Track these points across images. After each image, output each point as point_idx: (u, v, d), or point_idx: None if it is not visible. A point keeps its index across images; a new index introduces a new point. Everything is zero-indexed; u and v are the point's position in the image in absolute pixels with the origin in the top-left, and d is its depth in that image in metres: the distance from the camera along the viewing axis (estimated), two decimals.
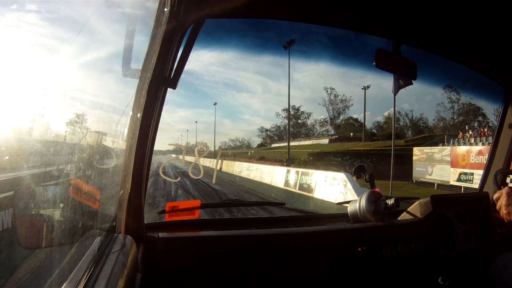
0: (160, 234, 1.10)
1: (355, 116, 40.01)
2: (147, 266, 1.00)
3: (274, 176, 13.05)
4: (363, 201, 1.38)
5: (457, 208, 1.56)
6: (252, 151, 35.53)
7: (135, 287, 0.82)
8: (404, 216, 1.52)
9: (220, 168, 18.85)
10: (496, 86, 1.73)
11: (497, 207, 1.32)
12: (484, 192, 1.69)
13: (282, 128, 43.57)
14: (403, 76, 1.44)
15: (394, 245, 1.30)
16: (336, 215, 1.59)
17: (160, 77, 1.01)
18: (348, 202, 1.49)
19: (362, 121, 37.88)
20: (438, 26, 1.29)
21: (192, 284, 1.08)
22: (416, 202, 1.50)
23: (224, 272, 1.11)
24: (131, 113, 1.08)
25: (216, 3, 1.01)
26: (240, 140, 48.34)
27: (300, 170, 11.32)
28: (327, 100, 40.17)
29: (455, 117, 30.57)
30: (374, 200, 1.38)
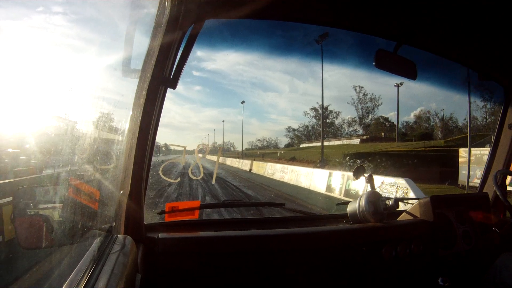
0: (160, 235, 1.10)
1: (385, 116, 38.29)
2: (146, 266, 1.00)
3: (314, 179, 11.47)
4: (363, 202, 1.38)
5: (457, 208, 1.56)
6: (282, 151, 34.43)
7: (134, 287, 0.82)
8: (404, 216, 1.52)
9: (250, 170, 18.35)
10: (496, 86, 1.73)
11: None
12: (484, 193, 1.69)
13: (310, 127, 42.68)
14: (403, 77, 1.44)
15: (393, 246, 1.30)
16: (336, 215, 1.59)
17: (160, 77, 1.01)
18: (347, 202, 1.49)
19: (393, 120, 36.33)
20: (438, 26, 1.29)
21: (192, 284, 1.08)
22: (416, 203, 1.50)
23: (223, 273, 1.11)
24: (131, 113, 1.08)
25: (216, 4, 1.01)
26: (268, 140, 47.61)
27: (346, 173, 9.69)
28: (356, 99, 38.55)
29: (487, 117, 28.72)
30: (374, 200, 1.38)
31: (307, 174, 12.38)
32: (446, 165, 13.47)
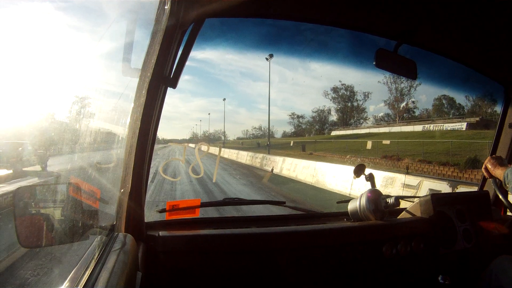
0: (161, 233, 1.10)
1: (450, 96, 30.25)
2: (147, 264, 1.00)
3: None
4: (364, 200, 1.38)
5: (457, 206, 1.56)
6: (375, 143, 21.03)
7: (135, 285, 0.82)
8: (404, 214, 1.52)
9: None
10: (496, 86, 1.73)
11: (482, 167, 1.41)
12: (484, 191, 1.69)
13: (326, 112, 37.81)
14: (403, 76, 1.44)
15: (394, 244, 1.30)
16: (337, 213, 1.59)
17: (160, 76, 1.01)
18: (348, 200, 1.49)
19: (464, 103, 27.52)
20: (438, 26, 1.29)
21: (193, 282, 1.08)
22: (417, 201, 1.50)
23: (224, 271, 1.11)
24: (131, 112, 1.08)
25: (216, 2, 1.01)
26: (262, 129, 45.40)
27: None
28: (389, 78, 32.22)
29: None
30: (375, 198, 1.38)
31: None
32: None
